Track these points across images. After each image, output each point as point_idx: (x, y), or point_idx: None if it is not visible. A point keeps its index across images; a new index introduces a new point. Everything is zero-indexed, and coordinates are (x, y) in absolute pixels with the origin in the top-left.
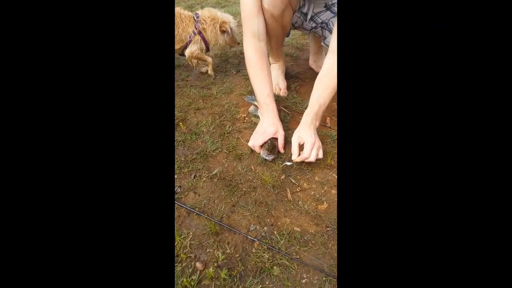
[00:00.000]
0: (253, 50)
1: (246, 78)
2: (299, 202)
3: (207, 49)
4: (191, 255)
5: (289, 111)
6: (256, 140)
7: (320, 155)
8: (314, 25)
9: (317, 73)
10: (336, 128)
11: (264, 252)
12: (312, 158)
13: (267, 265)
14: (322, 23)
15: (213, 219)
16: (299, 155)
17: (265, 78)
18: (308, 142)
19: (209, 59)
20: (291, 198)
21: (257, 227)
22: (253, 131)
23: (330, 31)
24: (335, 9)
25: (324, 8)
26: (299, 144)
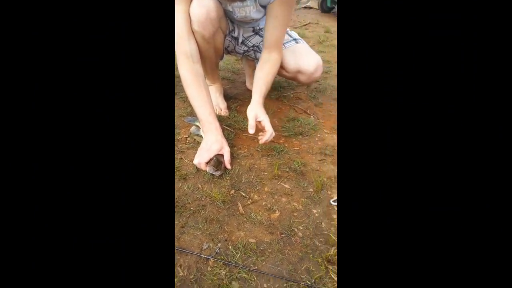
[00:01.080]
0: (188, 71)
1: (184, 100)
2: (252, 214)
3: None
4: None
5: (232, 129)
6: (201, 158)
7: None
8: (246, 48)
9: None
10: (279, 142)
11: (221, 269)
12: (273, 134)
13: (224, 281)
14: (253, 46)
15: None
16: (256, 131)
17: (204, 97)
18: (266, 119)
19: None
20: (243, 211)
21: (210, 244)
22: (196, 150)
23: None
24: (263, 33)
25: (253, 33)
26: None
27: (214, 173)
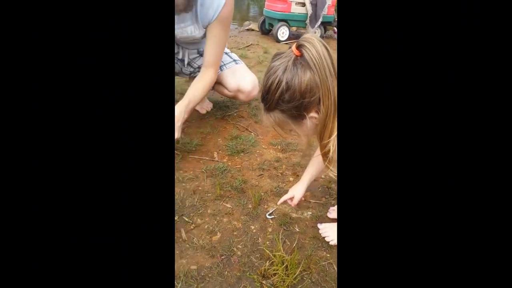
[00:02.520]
0: None
1: None
2: (194, 239)
3: None
4: None
5: (179, 152)
6: None
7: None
8: (192, 69)
9: (201, 114)
10: (223, 161)
11: None
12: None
13: None
14: (198, 67)
15: None
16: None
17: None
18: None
19: None
20: (186, 238)
21: None
22: None
23: None
24: None
25: (198, 55)
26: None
27: None
